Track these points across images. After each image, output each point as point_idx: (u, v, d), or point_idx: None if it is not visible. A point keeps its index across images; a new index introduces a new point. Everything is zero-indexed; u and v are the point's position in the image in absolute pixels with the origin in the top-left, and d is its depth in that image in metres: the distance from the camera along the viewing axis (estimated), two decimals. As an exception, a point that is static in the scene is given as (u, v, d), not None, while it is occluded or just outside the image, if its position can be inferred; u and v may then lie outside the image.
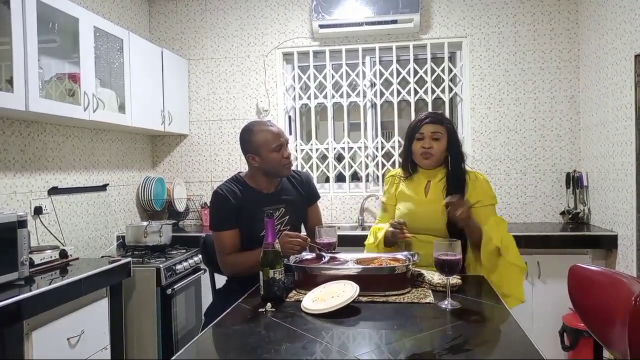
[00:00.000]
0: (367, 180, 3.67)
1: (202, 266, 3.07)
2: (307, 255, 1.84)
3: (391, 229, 1.95)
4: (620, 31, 2.77)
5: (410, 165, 2.11)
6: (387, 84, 3.61)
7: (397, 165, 3.52)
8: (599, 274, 1.55)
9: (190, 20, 3.80)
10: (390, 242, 2.00)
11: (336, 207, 3.67)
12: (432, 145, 1.99)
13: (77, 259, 2.46)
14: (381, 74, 3.60)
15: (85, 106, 2.50)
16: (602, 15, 3.00)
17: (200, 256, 3.07)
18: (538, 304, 2.95)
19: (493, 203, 2.03)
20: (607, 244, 2.91)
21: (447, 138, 2.01)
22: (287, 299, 1.60)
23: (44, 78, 2.38)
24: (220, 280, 2.18)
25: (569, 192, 3.37)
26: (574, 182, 3.33)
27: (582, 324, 1.76)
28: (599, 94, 3.08)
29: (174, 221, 3.47)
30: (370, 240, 2.13)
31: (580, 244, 2.95)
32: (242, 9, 3.74)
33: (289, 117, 3.78)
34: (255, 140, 1.97)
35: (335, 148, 3.69)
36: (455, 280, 1.64)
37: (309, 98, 3.71)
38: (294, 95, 3.73)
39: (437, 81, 3.56)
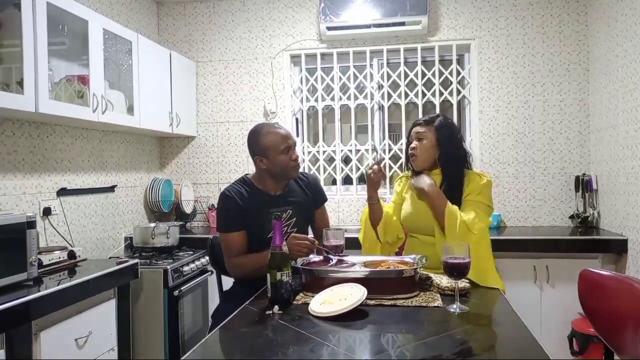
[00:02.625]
0: (374, 183, 3.66)
1: (209, 268, 3.08)
2: (315, 257, 1.84)
3: (370, 171, 1.99)
4: (630, 33, 2.74)
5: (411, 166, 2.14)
6: (394, 86, 3.61)
7: (404, 167, 3.50)
8: (609, 279, 1.53)
9: (199, 23, 3.81)
10: (375, 213, 2.03)
11: (343, 209, 3.66)
12: (415, 146, 2.00)
13: (85, 259, 2.47)
14: (389, 76, 3.60)
15: (94, 108, 2.52)
16: (612, 17, 2.98)
17: (207, 258, 3.08)
18: (547, 308, 2.92)
19: (481, 201, 1.92)
20: (617, 248, 2.88)
21: (435, 138, 1.98)
22: (295, 302, 1.60)
23: (54, 80, 2.40)
24: (227, 282, 2.18)
25: (578, 195, 3.34)
26: (583, 185, 3.30)
27: (592, 329, 1.74)
28: (608, 97, 3.05)
29: (181, 223, 3.48)
30: (361, 235, 2.14)
31: (590, 248, 2.92)
32: (249, 12, 3.75)
33: (296, 119, 3.78)
34: (264, 143, 1.97)
35: (342, 150, 3.68)
36: (463, 284, 1.63)
37: (316, 100, 3.70)
38: (302, 98, 3.74)
39: (445, 83, 3.55)
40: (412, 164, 2.07)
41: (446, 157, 1.98)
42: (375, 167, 1.98)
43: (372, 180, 1.99)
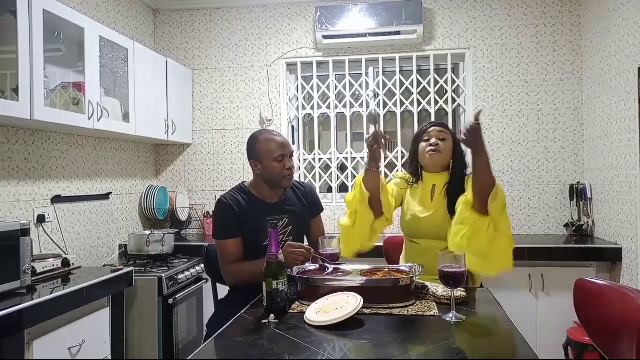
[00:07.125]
0: (370, 191, 3.66)
1: (204, 276, 3.07)
2: (311, 266, 1.83)
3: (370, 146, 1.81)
4: (623, 44, 2.77)
5: (417, 170, 2.10)
6: (390, 94, 3.62)
7: (409, 168, 3.48)
8: (605, 288, 1.54)
9: (195, 31, 3.82)
10: (370, 179, 1.88)
11: (339, 217, 3.65)
12: (439, 143, 2.01)
13: (79, 267, 2.45)
14: (384, 85, 3.61)
15: (89, 115, 2.51)
16: (605, 27, 3.01)
17: (202, 266, 3.06)
18: (542, 316, 2.93)
19: None
20: (611, 257, 2.89)
21: (452, 142, 2.05)
22: (291, 311, 1.59)
23: (49, 87, 2.39)
24: (223, 290, 2.17)
25: (573, 204, 3.36)
26: (578, 194, 3.32)
27: (587, 338, 1.75)
28: (602, 106, 3.08)
29: (176, 230, 3.47)
30: (349, 197, 1.97)
31: (585, 256, 2.93)
32: (246, 20, 3.76)
33: (292, 127, 3.79)
34: (259, 148, 1.98)
35: (338, 158, 3.69)
36: (459, 292, 1.63)
37: (312, 108, 3.71)
38: (297, 105, 3.74)
39: (440, 92, 3.57)
40: (429, 160, 2.02)
41: (459, 161, 2.06)
42: (372, 141, 1.79)
43: (374, 154, 1.83)
